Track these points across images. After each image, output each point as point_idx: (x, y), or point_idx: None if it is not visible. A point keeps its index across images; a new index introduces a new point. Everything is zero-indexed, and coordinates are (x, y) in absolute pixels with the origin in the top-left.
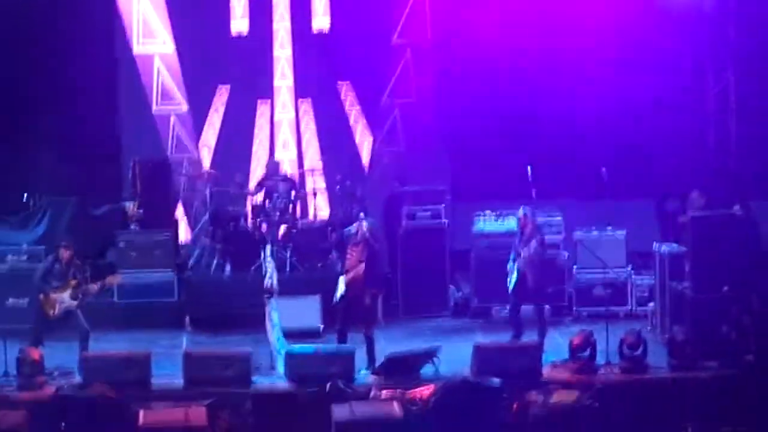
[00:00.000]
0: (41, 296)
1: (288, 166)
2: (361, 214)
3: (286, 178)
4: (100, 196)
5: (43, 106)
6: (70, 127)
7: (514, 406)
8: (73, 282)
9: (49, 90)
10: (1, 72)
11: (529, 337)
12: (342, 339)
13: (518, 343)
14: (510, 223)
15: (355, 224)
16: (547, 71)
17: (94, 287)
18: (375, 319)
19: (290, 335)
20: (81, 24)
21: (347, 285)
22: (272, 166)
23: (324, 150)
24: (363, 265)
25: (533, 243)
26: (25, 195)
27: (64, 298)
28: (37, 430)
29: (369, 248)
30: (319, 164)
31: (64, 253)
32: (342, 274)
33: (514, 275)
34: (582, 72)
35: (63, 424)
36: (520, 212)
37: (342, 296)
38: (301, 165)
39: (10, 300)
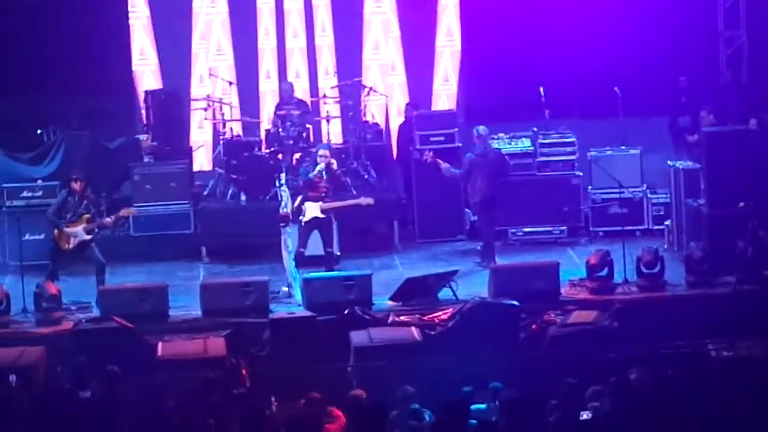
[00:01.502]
0: (55, 231)
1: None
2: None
3: (299, 104)
4: (114, 129)
5: (55, 41)
6: (83, 61)
7: (533, 326)
8: (87, 216)
9: (61, 24)
10: (15, 7)
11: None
12: (301, 263)
13: (536, 264)
14: (524, 144)
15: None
16: None
17: (108, 221)
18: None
19: (307, 263)
20: None
21: (322, 211)
22: (285, 91)
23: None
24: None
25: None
26: (39, 130)
27: (78, 232)
28: (55, 364)
29: (331, 174)
30: (332, 91)
31: (76, 186)
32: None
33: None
34: None
35: (82, 358)
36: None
37: (309, 221)
38: (314, 93)
39: (27, 236)
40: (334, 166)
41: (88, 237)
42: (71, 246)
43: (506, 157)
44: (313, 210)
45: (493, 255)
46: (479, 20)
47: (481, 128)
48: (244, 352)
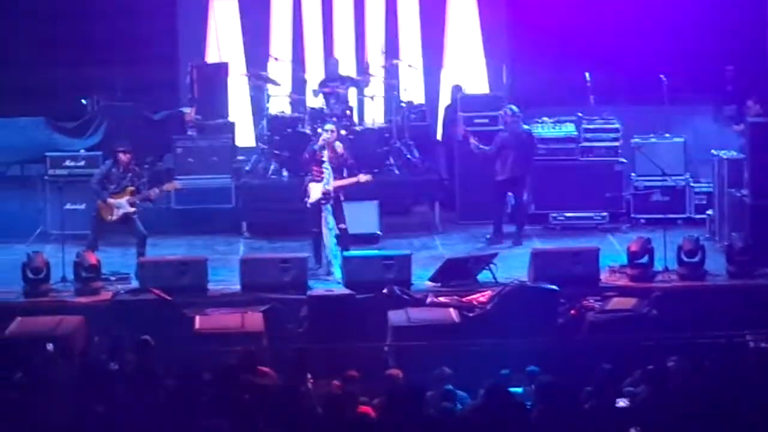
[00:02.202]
0: (98, 201)
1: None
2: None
3: (344, 81)
4: (157, 101)
5: (100, 12)
6: (128, 32)
7: (572, 311)
8: (131, 188)
9: None
10: None
11: (583, 242)
12: (317, 243)
13: (576, 249)
14: (568, 129)
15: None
16: None
17: (152, 193)
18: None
19: (349, 241)
20: None
21: (323, 193)
22: (330, 67)
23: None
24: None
25: None
26: (83, 100)
27: (121, 204)
28: (94, 334)
29: (334, 152)
30: (380, 71)
31: (123, 158)
32: (314, 182)
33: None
34: None
35: (118, 329)
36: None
37: (314, 203)
38: (361, 71)
39: (68, 205)
40: (338, 146)
41: (131, 209)
42: (114, 217)
43: (535, 138)
44: (316, 191)
45: (502, 234)
46: (527, 4)
47: (514, 107)
48: (281, 327)
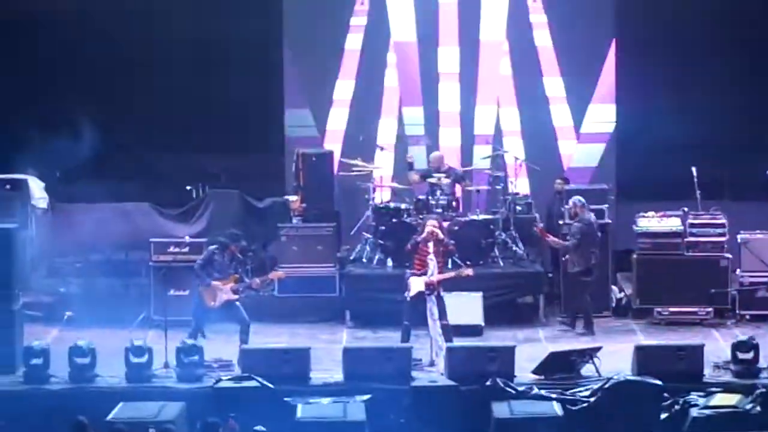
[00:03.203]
0: (202, 287)
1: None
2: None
3: (449, 173)
4: (263, 189)
5: (206, 100)
6: (234, 120)
7: (675, 407)
8: (235, 275)
9: (215, 83)
10: (168, 65)
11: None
12: (406, 337)
13: (680, 344)
14: (673, 223)
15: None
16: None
17: (257, 282)
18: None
19: (451, 333)
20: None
21: (426, 285)
22: (436, 161)
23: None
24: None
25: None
26: (188, 186)
27: (225, 290)
28: (195, 420)
29: (438, 244)
30: (482, 162)
31: (233, 249)
32: (415, 275)
33: None
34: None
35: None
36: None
37: (414, 296)
38: (464, 163)
39: (171, 291)
40: (441, 236)
41: (235, 296)
42: (217, 303)
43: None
44: (417, 285)
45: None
46: (634, 98)
47: (581, 197)
48: (383, 417)
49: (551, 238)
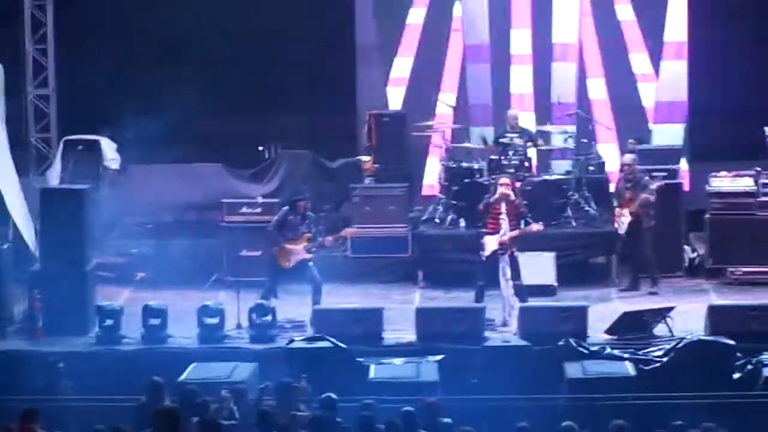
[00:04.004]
0: (275, 248)
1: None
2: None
3: (522, 132)
4: (335, 149)
5: (277, 60)
6: (306, 80)
7: (748, 366)
8: (308, 235)
9: (289, 44)
10: (243, 32)
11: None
12: (480, 297)
13: (753, 304)
14: (746, 183)
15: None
16: None
17: (329, 240)
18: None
19: (526, 292)
20: None
21: (499, 244)
22: (510, 120)
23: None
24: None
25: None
26: (260, 147)
27: (298, 251)
28: (268, 381)
29: (510, 204)
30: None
31: (302, 205)
32: (488, 235)
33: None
34: None
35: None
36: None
37: (489, 255)
38: (540, 121)
39: (244, 252)
40: (512, 197)
41: (308, 256)
42: (291, 264)
43: None
44: (491, 243)
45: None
46: (707, 56)
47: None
48: (456, 378)
49: (643, 196)
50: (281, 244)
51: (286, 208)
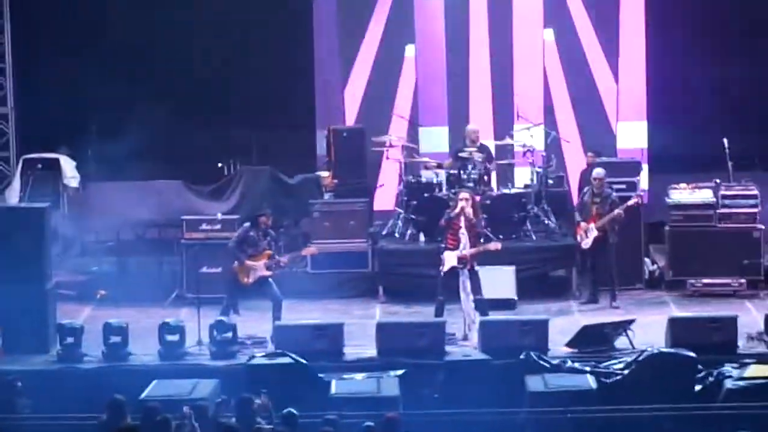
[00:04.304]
0: (236, 264)
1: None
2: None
3: (481, 148)
4: (294, 165)
5: (236, 77)
6: (265, 96)
7: (709, 379)
8: (268, 252)
9: (247, 60)
10: (202, 48)
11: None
12: (440, 312)
13: (714, 316)
14: (705, 195)
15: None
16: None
17: (284, 261)
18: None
19: (485, 306)
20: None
21: (459, 259)
22: (471, 135)
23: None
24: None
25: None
26: (219, 163)
27: (258, 267)
28: (229, 398)
29: (469, 220)
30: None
31: (264, 222)
32: (448, 250)
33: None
34: None
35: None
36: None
37: (447, 271)
38: (498, 137)
39: (204, 268)
40: (471, 212)
41: (268, 273)
42: (250, 280)
43: None
44: (451, 260)
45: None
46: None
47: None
48: (417, 392)
49: (616, 212)
50: (242, 260)
51: (247, 224)
